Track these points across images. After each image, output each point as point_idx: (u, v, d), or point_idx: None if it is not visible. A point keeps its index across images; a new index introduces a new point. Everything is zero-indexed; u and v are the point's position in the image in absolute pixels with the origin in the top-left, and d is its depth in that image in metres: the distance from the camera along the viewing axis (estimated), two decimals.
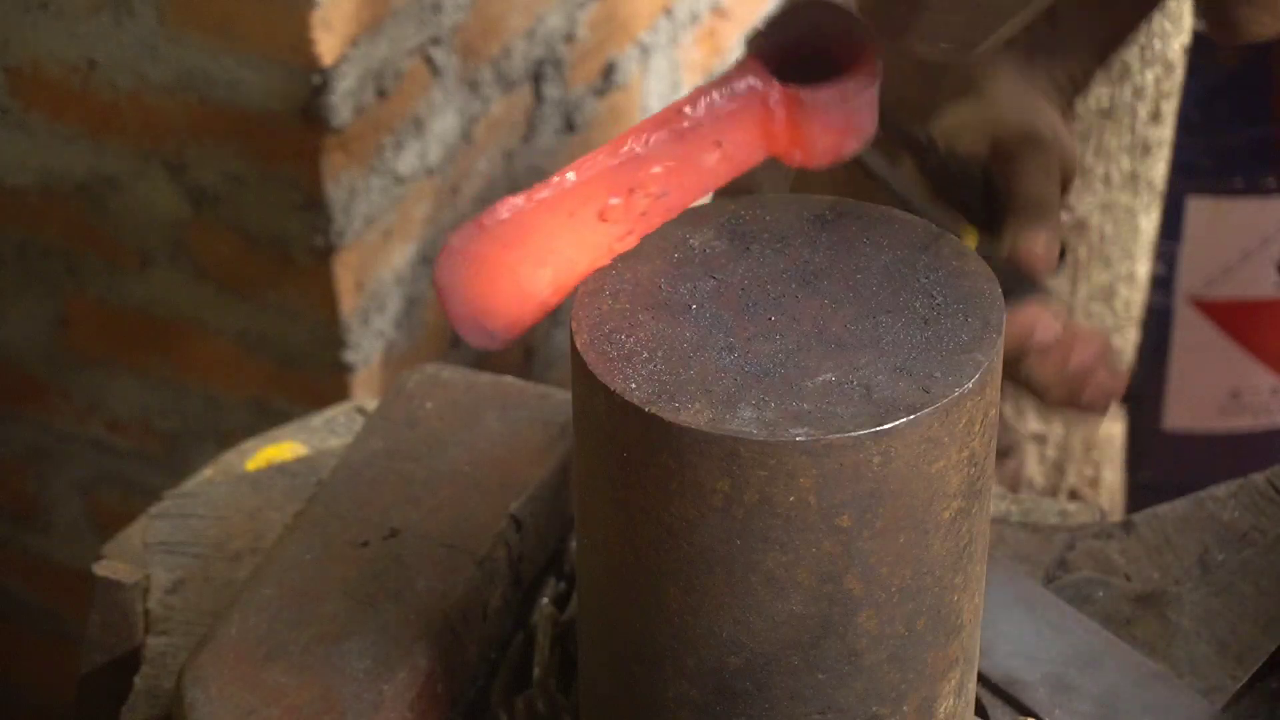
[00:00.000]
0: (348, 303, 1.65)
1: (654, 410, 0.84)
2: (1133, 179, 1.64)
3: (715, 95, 0.88)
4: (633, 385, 0.85)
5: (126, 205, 1.67)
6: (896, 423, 0.84)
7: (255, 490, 1.20)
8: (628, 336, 0.88)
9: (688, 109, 0.88)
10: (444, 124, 1.71)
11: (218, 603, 1.11)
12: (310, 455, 1.23)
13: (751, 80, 0.88)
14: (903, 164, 0.99)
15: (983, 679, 1.06)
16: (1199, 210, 1.97)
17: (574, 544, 1.07)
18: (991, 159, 0.99)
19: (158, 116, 1.61)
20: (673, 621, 0.90)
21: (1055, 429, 1.78)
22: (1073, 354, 0.96)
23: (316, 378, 1.70)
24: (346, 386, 1.69)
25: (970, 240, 0.96)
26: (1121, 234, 1.69)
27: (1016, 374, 0.97)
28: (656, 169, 0.88)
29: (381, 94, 1.61)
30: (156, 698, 1.08)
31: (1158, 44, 1.59)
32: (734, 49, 2.19)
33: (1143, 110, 1.61)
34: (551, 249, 0.88)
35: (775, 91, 0.89)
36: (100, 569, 1.15)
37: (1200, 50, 1.88)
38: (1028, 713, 1.05)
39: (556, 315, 2.00)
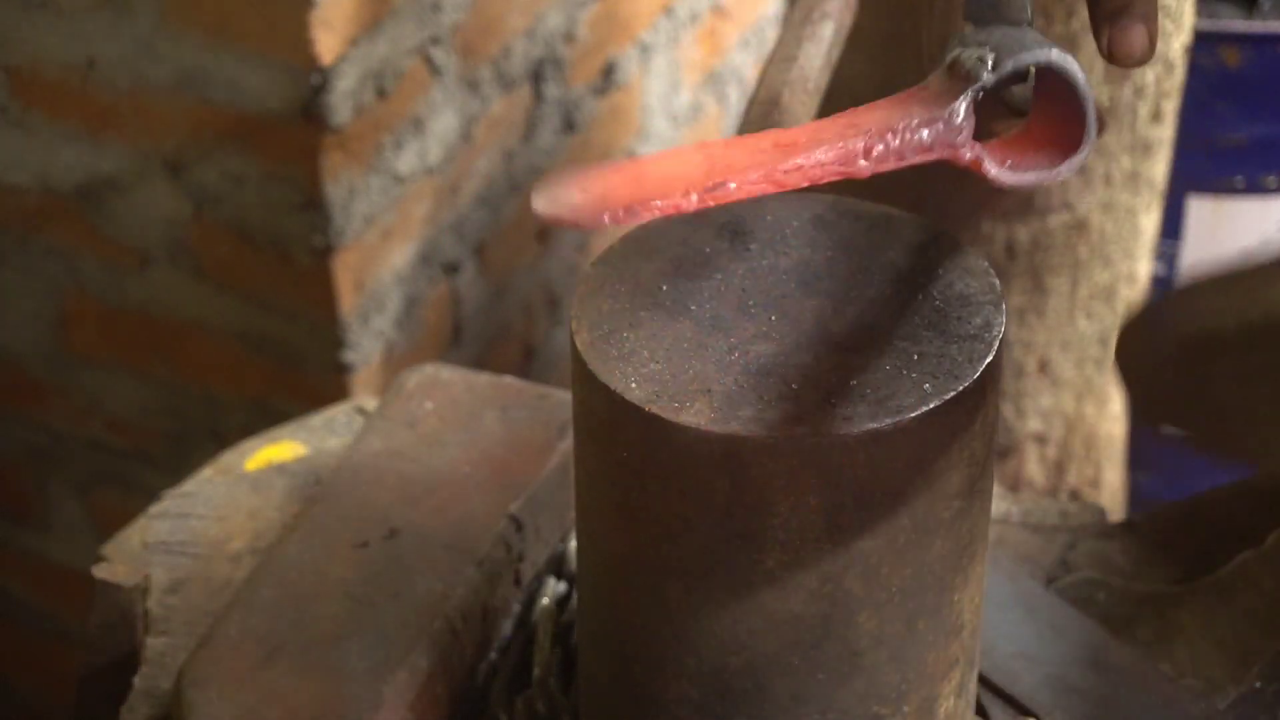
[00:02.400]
0: (347, 303, 1.65)
1: (654, 410, 0.84)
2: (1133, 178, 1.64)
3: (916, 136, 0.80)
4: (633, 385, 0.85)
5: (126, 205, 1.67)
6: (896, 422, 0.84)
7: (255, 490, 1.20)
8: (628, 336, 0.88)
9: (879, 147, 0.80)
10: (444, 124, 1.71)
11: (218, 603, 1.11)
12: (310, 455, 1.23)
13: (960, 144, 0.81)
14: None
15: (983, 679, 1.05)
16: (1200, 209, 1.97)
17: (574, 544, 1.07)
18: None
19: (157, 116, 1.61)
20: (673, 621, 0.90)
21: (1055, 429, 1.78)
22: None
23: (316, 378, 1.70)
24: (346, 386, 1.69)
25: None
26: (1122, 234, 1.69)
27: None
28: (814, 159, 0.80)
29: (381, 94, 1.61)
30: (156, 698, 1.08)
31: (1159, 43, 1.59)
32: (734, 48, 2.19)
33: (1143, 110, 1.61)
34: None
35: (974, 153, 0.82)
36: (99, 571, 1.15)
37: (1201, 50, 1.87)
38: (1028, 713, 1.04)
39: (556, 315, 2.00)
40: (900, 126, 0.81)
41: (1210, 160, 1.96)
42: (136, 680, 1.10)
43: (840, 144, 0.80)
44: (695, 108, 2.14)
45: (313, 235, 1.61)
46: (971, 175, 0.93)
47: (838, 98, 1.46)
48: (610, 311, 0.89)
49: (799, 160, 0.79)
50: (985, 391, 0.87)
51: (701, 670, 0.90)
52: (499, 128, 1.80)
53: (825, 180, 0.80)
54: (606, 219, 0.76)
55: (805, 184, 0.80)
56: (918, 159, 0.81)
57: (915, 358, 0.87)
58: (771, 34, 2.25)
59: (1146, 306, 0.78)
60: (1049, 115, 0.85)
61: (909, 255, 0.92)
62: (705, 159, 0.80)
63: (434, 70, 1.67)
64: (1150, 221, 1.71)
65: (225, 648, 1.02)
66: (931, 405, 0.84)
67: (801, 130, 0.82)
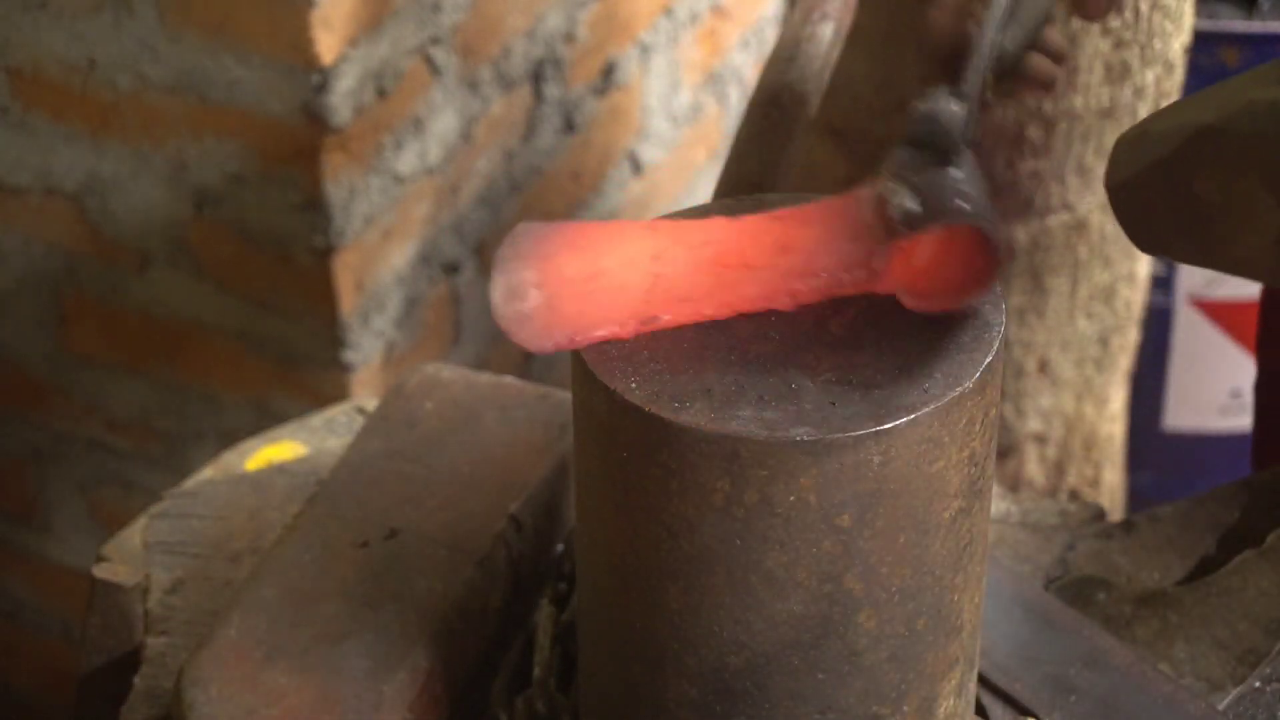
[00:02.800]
0: (348, 303, 1.65)
1: (654, 410, 0.84)
2: None
3: (837, 279, 0.88)
4: (633, 385, 0.85)
5: (126, 205, 1.67)
6: (896, 422, 0.84)
7: (255, 490, 1.20)
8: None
9: (803, 288, 0.88)
10: (444, 124, 1.71)
11: (218, 603, 1.11)
12: (310, 455, 1.23)
13: (878, 283, 0.88)
14: None
15: (983, 679, 1.06)
16: None
17: (574, 544, 1.07)
18: None
19: (158, 116, 1.61)
20: (673, 621, 0.90)
21: (1055, 429, 1.78)
22: None
23: (316, 378, 1.70)
24: (346, 386, 1.69)
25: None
26: (1121, 234, 1.69)
27: None
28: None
29: (381, 94, 1.61)
30: (156, 698, 1.08)
31: (1158, 44, 1.59)
32: (734, 48, 2.19)
33: (1143, 110, 1.61)
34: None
35: (890, 287, 0.89)
36: (100, 571, 1.15)
37: (1201, 50, 1.87)
38: (1028, 713, 1.04)
39: None
40: (823, 273, 0.88)
41: None
42: (136, 680, 1.10)
43: (771, 284, 0.88)
44: (695, 108, 2.14)
45: (313, 235, 1.61)
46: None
47: (838, 97, 1.46)
48: None
49: (729, 297, 0.88)
50: (985, 391, 0.87)
51: (701, 670, 0.90)
52: (499, 128, 1.80)
53: (752, 311, 0.89)
54: (552, 347, 0.87)
55: (730, 316, 0.88)
56: (836, 295, 0.88)
57: (915, 358, 0.87)
58: (771, 34, 2.25)
59: (1135, 125, 0.82)
60: (962, 245, 0.88)
61: None
62: (653, 264, 0.88)
63: (434, 70, 1.67)
64: None
65: (225, 648, 1.02)
66: (931, 405, 0.84)
67: (739, 232, 0.89)
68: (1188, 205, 0.80)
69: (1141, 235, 0.84)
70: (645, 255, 0.89)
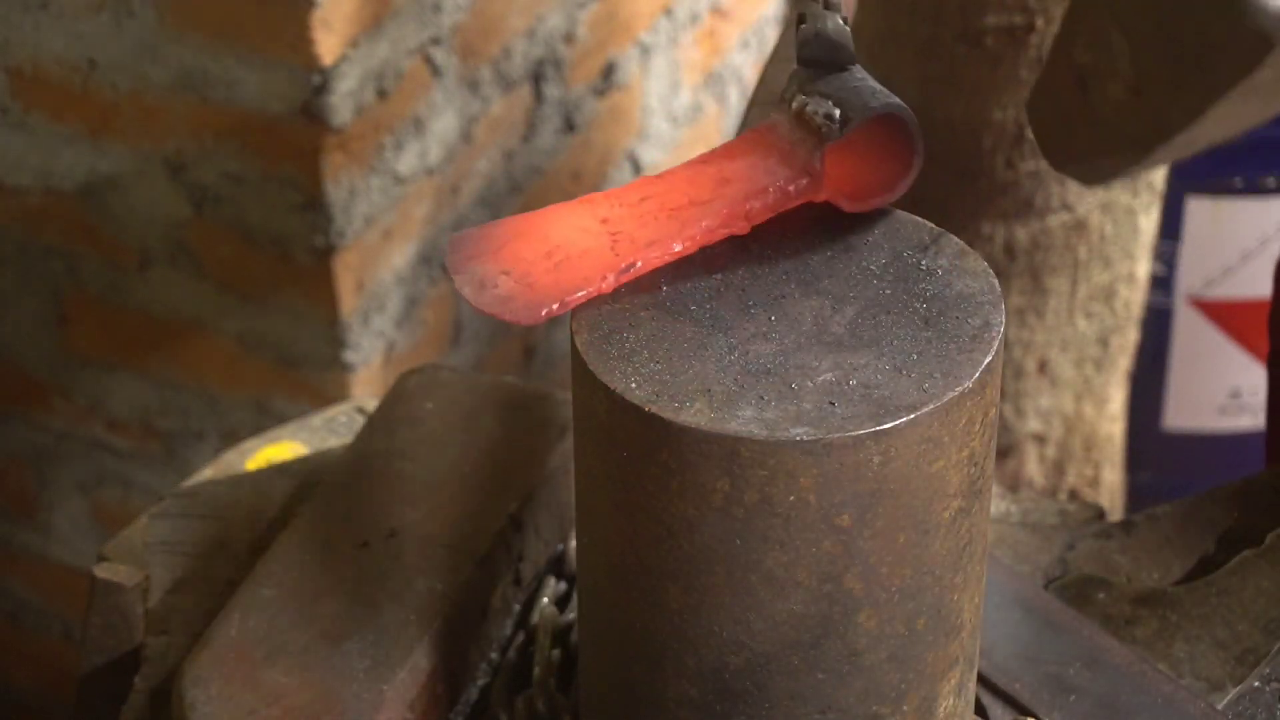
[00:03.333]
0: (348, 303, 1.65)
1: (654, 410, 0.84)
2: (1132, 179, 1.64)
3: (785, 193, 0.91)
4: (633, 385, 0.85)
5: (126, 205, 1.67)
6: (896, 422, 0.84)
7: (255, 490, 1.20)
8: (628, 336, 0.88)
9: (756, 205, 0.91)
10: (444, 124, 1.71)
11: (218, 603, 1.11)
12: (310, 455, 1.24)
13: (818, 190, 0.92)
14: None
15: (983, 679, 1.06)
16: (1199, 210, 1.97)
17: (574, 544, 1.07)
18: None
19: (158, 116, 1.61)
20: (673, 621, 0.90)
21: (1055, 429, 1.78)
22: None
23: (316, 378, 1.70)
24: (346, 386, 1.69)
25: None
26: (1121, 234, 1.69)
27: None
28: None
29: (381, 94, 1.61)
30: (156, 698, 1.08)
31: None
32: (734, 48, 2.19)
33: None
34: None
35: (828, 193, 0.92)
36: (100, 571, 1.15)
37: None
38: (1028, 713, 1.05)
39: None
40: (770, 187, 0.91)
41: (1209, 161, 1.96)
42: (136, 680, 1.10)
43: (724, 209, 0.91)
44: (695, 108, 2.14)
45: (313, 235, 1.61)
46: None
47: None
48: (610, 311, 0.89)
49: (691, 231, 0.90)
50: (985, 391, 0.87)
51: (701, 670, 0.90)
52: (499, 128, 1.80)
53: (714, 241, 0.91)
54: (545, 315, 0.88)
55: (696, 249, 0.91)
56: (785, 208, 0.92)
57: (915, 358, 0.87)
58: (771, 34, 2.25)
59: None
60: (883, 139, 0.92)
61: (909, 255, 0.92)
62: (604, 226, 0.91)
63: (434, 70, 1.67)
64: (1149, 222, 1.71)
65: (225, 648, 1.02)
66: (931, 405, 0.84)
67: (673, 182, 0.93)
68: (1077, 86, 0.80)
69: (1053, 147, 0.85)
70: (593, 222, 0.92)
